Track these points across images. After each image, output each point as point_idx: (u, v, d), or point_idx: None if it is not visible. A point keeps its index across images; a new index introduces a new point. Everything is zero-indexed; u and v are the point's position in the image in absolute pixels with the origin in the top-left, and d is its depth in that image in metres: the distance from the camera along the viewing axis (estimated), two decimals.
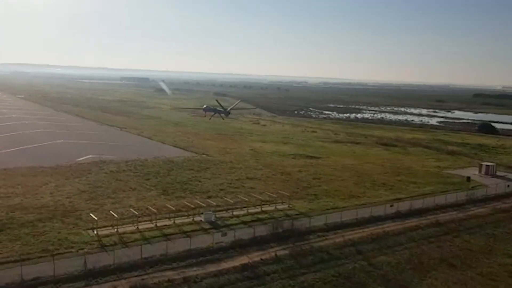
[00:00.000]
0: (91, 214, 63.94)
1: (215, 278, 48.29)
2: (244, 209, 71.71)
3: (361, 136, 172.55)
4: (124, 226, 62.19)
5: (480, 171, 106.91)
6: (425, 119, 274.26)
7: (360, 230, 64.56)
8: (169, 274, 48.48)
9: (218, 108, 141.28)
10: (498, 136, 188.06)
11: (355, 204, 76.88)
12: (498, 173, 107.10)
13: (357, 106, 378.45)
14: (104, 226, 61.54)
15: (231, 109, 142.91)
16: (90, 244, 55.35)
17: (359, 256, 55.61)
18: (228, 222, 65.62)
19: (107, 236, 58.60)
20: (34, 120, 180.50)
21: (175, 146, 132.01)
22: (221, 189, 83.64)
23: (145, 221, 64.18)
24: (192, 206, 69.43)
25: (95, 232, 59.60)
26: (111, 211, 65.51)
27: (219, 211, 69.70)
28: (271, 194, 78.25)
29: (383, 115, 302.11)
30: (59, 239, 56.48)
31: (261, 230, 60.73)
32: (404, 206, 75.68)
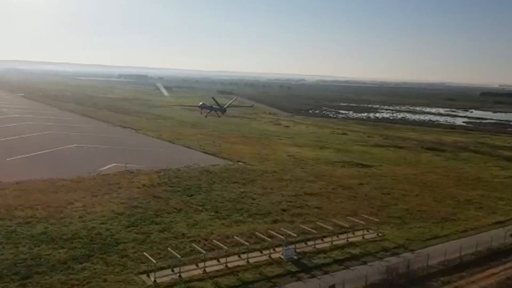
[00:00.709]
0: (145, 253, 49.26)
1: None
2: (326, 240, 57.37)
3: (397, 139, 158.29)
4: (186, 267, 47.70)
5: None
6: (448, 119, 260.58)
7: (489, 272, 50.32)
8: None
9: (214, 106, 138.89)
10: None
11: (456, 231, 62.71)
12: None
13: (369, 105, 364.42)
14: (162, 268, 47.01)
15: (227, 106, 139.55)
16: None
17: None
18: (317, 261, 51.21)
19: (170, 285, 44.10)
20: (40, 121, 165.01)
21: (204, 152, 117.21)
22: (283, 210, 69.13)
23: (210, 258, 49.74)
24: (260, 234, 55.28)
25: (153, 279, 45.05)
26: (168, 248, 51.00)
27: (296, 242, 55.19)
28: (350, 218, 63.87)
29: (402, 114, 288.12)
30: None
31: (369, 275, 46.42)
32: None
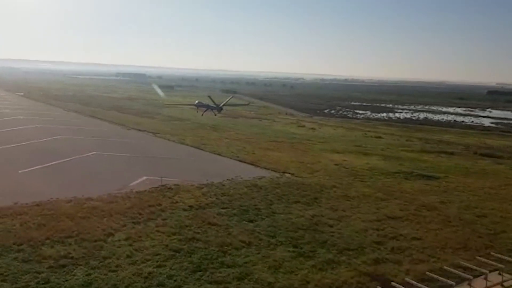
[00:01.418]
0: None
1: None
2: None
3: (440, 143, 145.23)
4: None
5: None
6: (474, 120, 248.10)
7: None
8: None
9: (210, 104, 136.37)
10: None
11: None
12: None
13: (382, 104, 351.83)
14: None
15: (223, 105, 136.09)
16: None
17: None
18: None
19: None
20: (47, 124, 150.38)
21: (239, 160, 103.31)
22: (377, 243, 55.24)
23: None
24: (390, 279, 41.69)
25: None
26: None
27: None
28: (478, 258, 50.23)
29: (422, 114, 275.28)
30: None
31: None
32: None
